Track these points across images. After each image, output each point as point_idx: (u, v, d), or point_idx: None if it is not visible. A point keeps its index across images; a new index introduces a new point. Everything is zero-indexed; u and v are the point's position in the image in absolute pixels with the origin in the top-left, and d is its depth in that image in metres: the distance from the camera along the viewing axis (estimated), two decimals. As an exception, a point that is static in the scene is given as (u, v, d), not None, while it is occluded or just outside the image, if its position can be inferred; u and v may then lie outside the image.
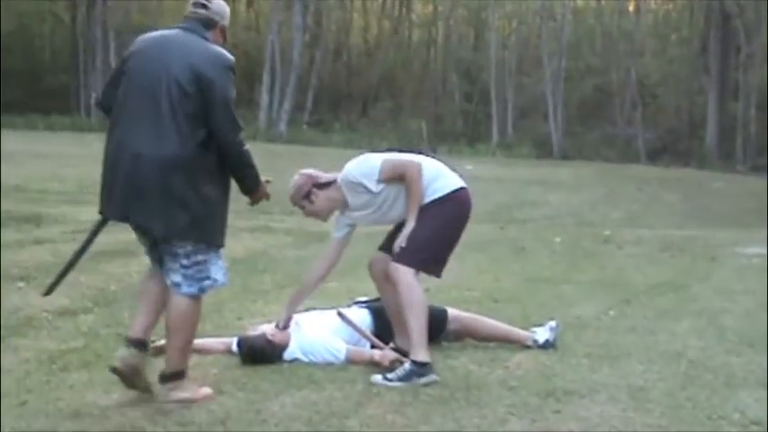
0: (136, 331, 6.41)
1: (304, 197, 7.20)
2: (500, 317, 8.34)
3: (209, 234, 6.22)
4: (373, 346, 7.37)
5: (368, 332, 7.52)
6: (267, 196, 6.57)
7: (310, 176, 7.28)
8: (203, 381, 6.62)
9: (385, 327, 7.56)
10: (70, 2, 49.39)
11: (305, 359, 7.20)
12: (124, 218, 6.24)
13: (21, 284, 10.38)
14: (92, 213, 16.15)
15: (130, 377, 6.24)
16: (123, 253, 12.41)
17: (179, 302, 6.23)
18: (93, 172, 23.01)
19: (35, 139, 32.76)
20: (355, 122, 46.31)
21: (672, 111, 47.92)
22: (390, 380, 6.68)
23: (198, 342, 7.24)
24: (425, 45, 52.00)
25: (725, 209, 27.30)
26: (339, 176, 7.23)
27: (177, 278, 6.21)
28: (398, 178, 7.04)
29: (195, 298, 6.27)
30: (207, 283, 6.27)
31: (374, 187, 7.08)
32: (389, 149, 7.76)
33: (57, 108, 44.73)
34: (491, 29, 47.66)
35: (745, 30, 44.04)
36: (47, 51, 49.10)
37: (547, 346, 7.75)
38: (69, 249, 12.50)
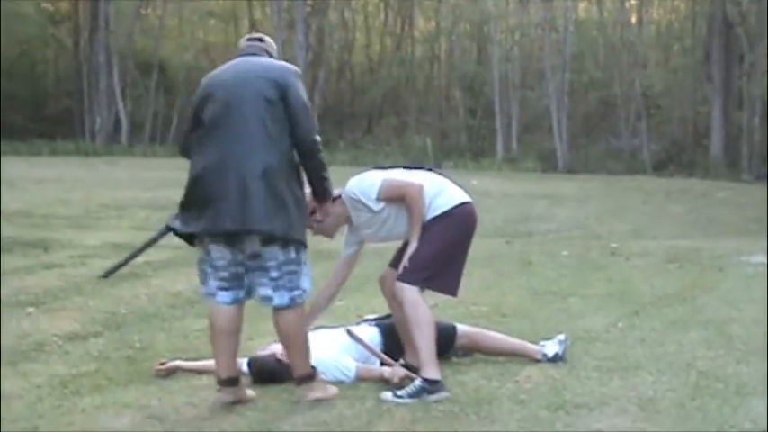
0: (224, 371, 6.70)
1: (310, 214, 7.10)
2: (508, 331, 8.36)
3: (303, 234, 6.62)
4: (383, 364, 7.39)
5: (377, 349, 7.53)
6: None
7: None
8: (214, 402, 6.66)
9: (394, 344, 7.57)
10: (73, 26, 49.48)
11: (324, 377, 7.15)
12: (237, 227, 6.38)
13: (30, 309, 10.41)
14: (99, 237, 16.37)
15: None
16: (132, 276, 12.45)
17: (280, 318, 6.59)
18: (98, 196, 23.28)
19: (39, 165, 32.76)
20: (360, 140, 46.31)
21: (676, 121, 47.87)
22: (400, 396, 6.69)
23: (208, 363, 7.28)
24: (428, 61, 52.03)
25: (730, 218, 27.25)
26: (342, 192, 7.23)
27: (268, 291, 6.53)
28: (398, 199, 7.05)
29: (292, 308, 6.55)
30: (297, 293, 6.57)
31: (374, 206, 7.10)
32: (395, 166, 7.74)
33: (61, 133, 44.76)
34: (493, 43, 47.68)
35: (748, 38, 44.00)
36: (50, 77, 49.20)
37: (556, 359, 7.77)
38: (78, 273, 12.73)
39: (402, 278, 7.00)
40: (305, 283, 6.61)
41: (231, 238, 6.48)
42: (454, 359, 7.73)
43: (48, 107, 46.98)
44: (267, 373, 7.18)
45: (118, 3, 48.13)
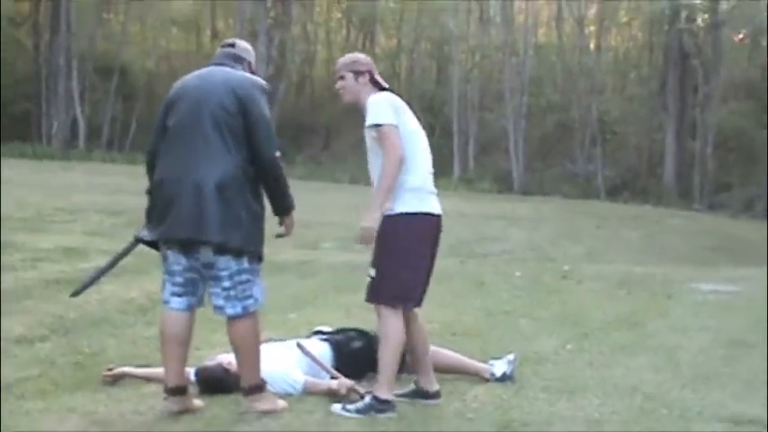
0: (172, 380, 6.67)
1: (354, 71, 7.08)
2: (459, 350, 8.33)
3: (258, 246, 6.62)
4: (333, 377, 7.36)
5: (327, 365, 7.50)
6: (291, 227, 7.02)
7: (371, 65, 7.18)
8: (161, 411, 6.62)
9: (345, 360, 7.57)
10: (33, 28, 49.28)
11: (275, 390, 7.08)
12: (190, 235, 6.43)
13: (-20, 312, 10.33)
14: (52, 241, 16.19)
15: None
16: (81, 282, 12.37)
17: (232, 327, 6.60)
18: (53, 200, 23.01)
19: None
20: (318, 155, 46.35)
21: (631, 148, 48.18)
22: (349, 410, 6.66)
23: (157, 371, 7.23)
24: (389, 78, 52.22)
25: (682, 246, 27.46)
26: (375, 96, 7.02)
27: (220, 301, 6.58)
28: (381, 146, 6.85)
29: (246, 316, 6.56)
30: (249, 302, 6.58)
31: (366, 122, 6.92)
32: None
33: (18, 135, 44.61)
34: (454, 63, 47.83)
35: (704, 69, 44.41)
36: (8, 78, 48.93)
37: (504, 378, 7.77)
38: (28, 277, 12.62)
39: (371, 299, 6.93)
40: (257, 293, 6.61)
41: (186, 246, 6.51)
42: (404, 375, 7.68)
43: (5, 109, 46.72)
44: (215, 382, 7.15)
45: (80, 6, 47.95)
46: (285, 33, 47.61)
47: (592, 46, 52.26)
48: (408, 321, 6.99)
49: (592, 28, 52.90)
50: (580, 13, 51.34)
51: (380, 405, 6.72)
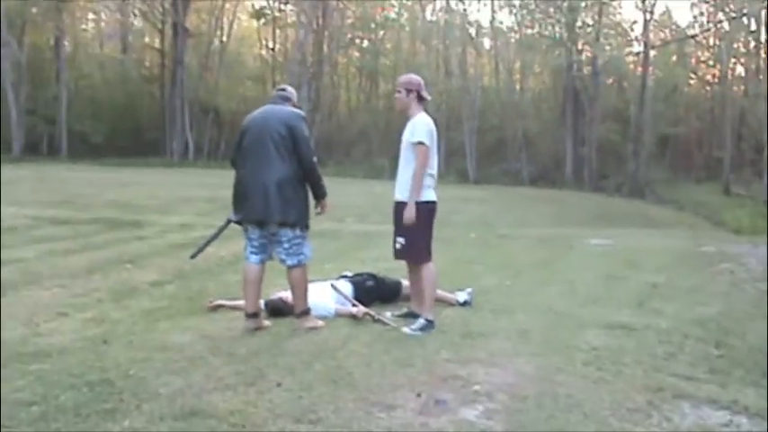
0: (250, 308, 6.79)
1: (407, 89, 6.97)
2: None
3: (305, 220, 6.73)
4: (354, 306, 7.34)
5: (350, 297, 7.48)
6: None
7: (420, 85, 7.03)
8: (243, 328, 6.62)
9: (362, 293, 7.54)
10: (160, 84, 49.27)
11: (315, 313, 7.07)
12: (262, 217, 6.61)
13: (128, 266, 10.39)
14: (173, 220, 16.22)
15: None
16: (192, 246, 12.37)
17: (291, 272, 6.74)
18: (174, 193, 23.02)
19: (139, 173, 32.68)
20: (342, 160, 46.14)
21: (544, 153, 47.98)
22: (413, 330, 6.59)
23: (240, 302, 7.23)
24: (387, 110, 51.80)
25: (577, 215, 27.43)
26: (421, 114, 6.95)
27: (283, 256, 6.72)
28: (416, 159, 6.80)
29: (299, 266, 6.72)
30: (301, 257, 6.73)
31: (408, 137, 6.89)
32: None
33: (151, 152, 44.78)
34: (429, 100, 47.63)
35: (589, 101, 44.39)
36: (145, 116, 49.10)
37: (465, 305, 7.75)
38: (159, 243, 12.63)
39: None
40: (306, 251, 6.78)
41: (259, 223, 6.68)
42: (400, 303, 7.67)
43: (144, 136, 46.87)
44: (277, 309, 7.14)
45: (189, 68, 47.92)
46: (319, 82, 47.51)
47: (518, 87, 52.15)
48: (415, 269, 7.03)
49: (517, 75, 52.77)
50: (510, 65, 51.28)
51: (430, 324, 6.69)
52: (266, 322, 6.85)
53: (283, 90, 7.12)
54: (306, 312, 6.80)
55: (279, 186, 6.51)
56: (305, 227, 6.75)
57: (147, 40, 54.26)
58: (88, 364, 5.52)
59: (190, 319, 7.24)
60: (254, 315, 6.75)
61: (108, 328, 6.90)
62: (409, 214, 6.69)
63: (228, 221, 6.88)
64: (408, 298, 7.54)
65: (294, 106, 6.98)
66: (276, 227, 6.63)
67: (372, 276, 7.93)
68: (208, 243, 7.18)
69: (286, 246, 6.67)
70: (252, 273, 6.80)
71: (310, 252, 6.83)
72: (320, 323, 6.77)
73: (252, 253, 6.80)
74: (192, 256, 7.44)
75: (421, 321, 6.69)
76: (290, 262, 6.70)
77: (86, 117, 45.12)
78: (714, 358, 6.08)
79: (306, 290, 6.83)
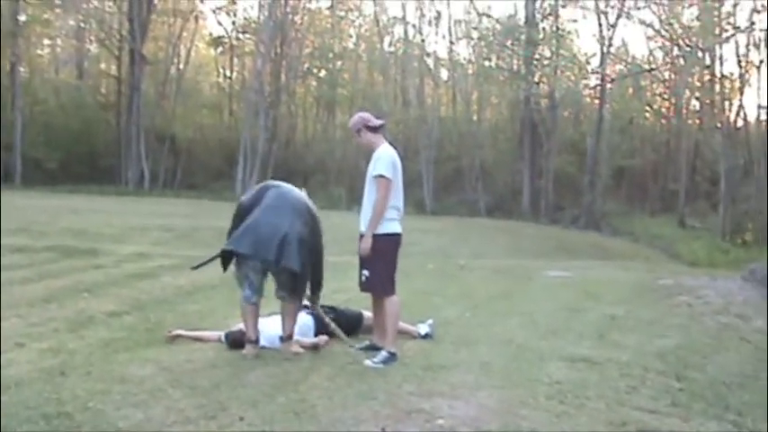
0: (251, 334, 6.82)
1: (356, 131, 7.05)
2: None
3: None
4: (316, 335, 7.31)
5: (311, 329, 7.45)
6: None
7: (363, 118, 7.12)
8: (203, 359, 6.55)
9: (323, 326, 7.48)
10: (116, 112, 48.96)
11: (270, 346, 7.07)
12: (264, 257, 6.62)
13: (85, 295, 10.29)
14: (130, 248, 15.98)
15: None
16: (150, 275, 12.28)
17: (285, 305, 6.85)
18: (129, 221, 22.76)
19: (93, 201, 32.32)
20: (299, 187, 46.06)
21: (501, 183, 48.25)
22: (375, 362, 6.55)
23: (201, 333, 7.18)
24: (343, 141, 51.80)
25: (534, 246, 27.60)
26: (383, 146, 7.05)
27: (283, 293, 6.82)
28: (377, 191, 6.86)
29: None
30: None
31: (371, 171, 6.94)
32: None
33: (106, 180, 44.39)
34: (386, 130, 47.83)
35: (546, 133, 44.80)
36: (101, 143, 48.66)
37: (426, 336, 7.76)
38: (115, 272, 12.47)
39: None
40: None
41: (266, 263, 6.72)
42: (361, 335, 7.65)
43: (99, 163, 46.45)
44: (237, 342, 7.04)
45: (145, 95, 47.68)
46: (276, 111, 47.44)
47: (475, 118, 52.46)
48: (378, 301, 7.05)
49: (475, 107, 53.13)
50: (467, 96, 51.65)
51: (392, 356, 6.67)
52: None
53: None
54: (290, 336, 6.89)
55: (296, 235, 6.61)
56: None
57: (103, 66, 53.93)
58: (45, 396, 5.46)
59: (149, 350, 7.17)
60: (256, 341, 6.82)
61: (65, 358, 6.83)
62: (365, 245, 6.72)
63: (226, 252, 6.81)
64: (370, 330, 7.53)
65: None
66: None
67: (333, 309, 7.86)
68: (212, 259, 7.12)
69: (283, 279, 6.75)
70: (253, 309, 6.84)
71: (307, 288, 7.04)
72: (301, 350, 6.84)
73: (254, 292, 6.80)
74: (195, 267, 7.45)
75: (383, 354, 6.68)
76: (281, 293, 6.82)
77: (41, 144, 44.66)
78: (676, 391, 6.16)
79: (295, 315, 6.97)
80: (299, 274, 6.65)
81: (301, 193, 7.11)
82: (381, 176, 6.81)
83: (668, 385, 6.31)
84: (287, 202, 6.81)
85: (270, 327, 7.17)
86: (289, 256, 6.55)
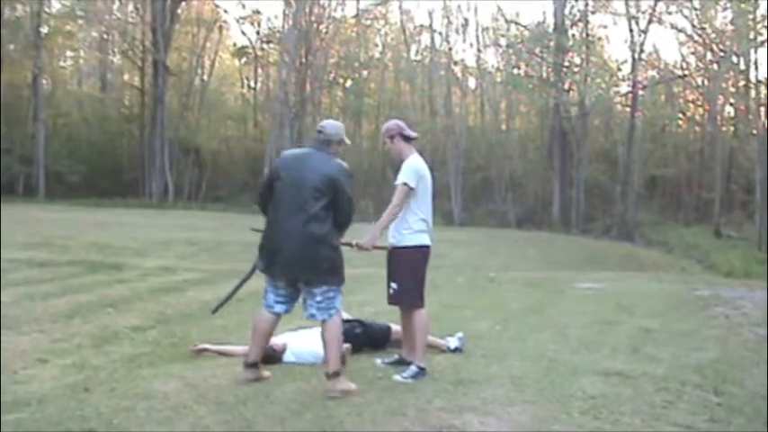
0: (252, 358, 6.44)
1: (389, 137, 7.05)
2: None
3: (340, 276, 6.28)
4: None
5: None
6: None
7: (399, 126, 7.13)
8: (237, 377, 6.49)
9: (350, 341, 7.36)
10: (140, 124, 49.32)
11: (296, 360, 7.09)
12: (287, 276, 6.28)
13: (109, 310, 10.33)
14: (154, 262, 16.08)
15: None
16: (175, 289, 12.33)
17: (327, 326, 6.21)
18: (154, 235, 22.92)
19: (118, 214, 32.64)
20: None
21: (531, 194, 48.25)
22: (405, 377, 6.53)
23: (227, 348, 7.17)
24: (371, 151, 52.00)
25: (565, 258, 27.47)
26: (413, 156, 7.07)
27: (313, 311, 6.23)
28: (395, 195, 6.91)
29: (332, 320, 6.22)
30: (332, 311, 6.22)
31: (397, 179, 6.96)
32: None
33: (131, 193, 44.80)
34: (417, 137, 47.66)
35: (576, 141, 44.63)
36: (125, 156, 49.11)
37: (457, 350, 7.71)
38: (140, 286, 12.53)
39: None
40: (338, 304, 6.28)
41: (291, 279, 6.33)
42: (389, 349, 7.63)
43: (123, 176, 46.83)
44: (265, 357, 6.96)
45: (169, 107, 48.03)
46: (302, 122, 47.61)
47: (504, 127, 52.45)
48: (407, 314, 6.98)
49: (504, 115, 53.10)
50: (495, 105, 51.62)
51: (422, 371, 6.63)
52: (266, 372, 6.55)
53: (321, 131, 6.52)
54: (337, 374, 6.15)
55: (312, 245, 6.12)
56: (341, 281, 6.34)
57: (126, 78, 54.47)
58: (69, 413, 5.47)
59: (174, 365, 7.17)
60: (254, 365, 6.43)
61: (89, 374, 6.85)
62: (367, 239, 6.68)
63: (254, 269, 6.52)
64: (398, 343, 7.50)
65: (338, 144, 6.57)
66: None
67: (360, 323, 7.83)
68: (233, 293, 6.96)
69: (318, 299, 6.22)
70: (267, 322, 6.44)
71: (341, 305, 6.39)
72: (353, 386, 6.17)
73: (277, 302, 6.40)
74: (214, 311, 7.31)
75: (413, 369, 6.65)
76: (320, 317, 6.23)
77: (64, 156, 45.12)
78: (714, 406, 6.07)
79: (340, 347, 6.36)
80: (324, 278, 6.23)
81: (312, 158, 6.39)
82: (404, 184, 6.82)
83: (706, 400, 6.23)
84: (296, 196, 6.20)
85: (298, 342, 7.16)
86: (306, 268, 6.19)
